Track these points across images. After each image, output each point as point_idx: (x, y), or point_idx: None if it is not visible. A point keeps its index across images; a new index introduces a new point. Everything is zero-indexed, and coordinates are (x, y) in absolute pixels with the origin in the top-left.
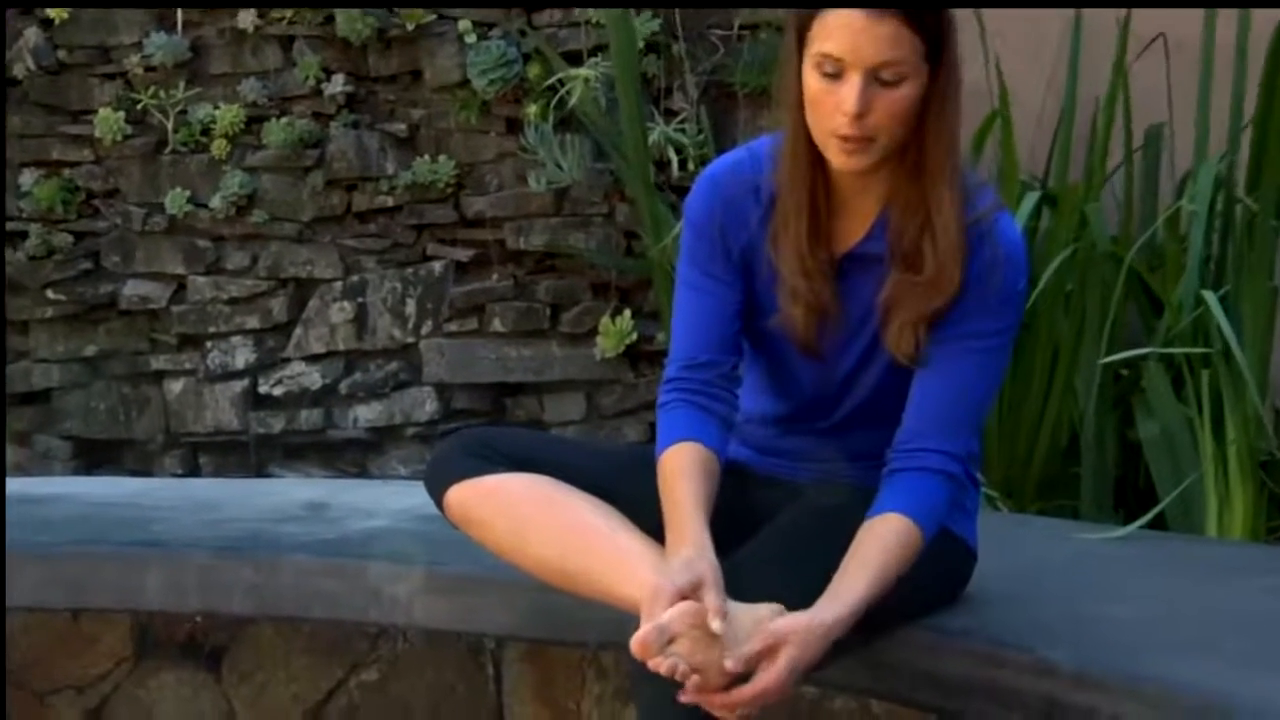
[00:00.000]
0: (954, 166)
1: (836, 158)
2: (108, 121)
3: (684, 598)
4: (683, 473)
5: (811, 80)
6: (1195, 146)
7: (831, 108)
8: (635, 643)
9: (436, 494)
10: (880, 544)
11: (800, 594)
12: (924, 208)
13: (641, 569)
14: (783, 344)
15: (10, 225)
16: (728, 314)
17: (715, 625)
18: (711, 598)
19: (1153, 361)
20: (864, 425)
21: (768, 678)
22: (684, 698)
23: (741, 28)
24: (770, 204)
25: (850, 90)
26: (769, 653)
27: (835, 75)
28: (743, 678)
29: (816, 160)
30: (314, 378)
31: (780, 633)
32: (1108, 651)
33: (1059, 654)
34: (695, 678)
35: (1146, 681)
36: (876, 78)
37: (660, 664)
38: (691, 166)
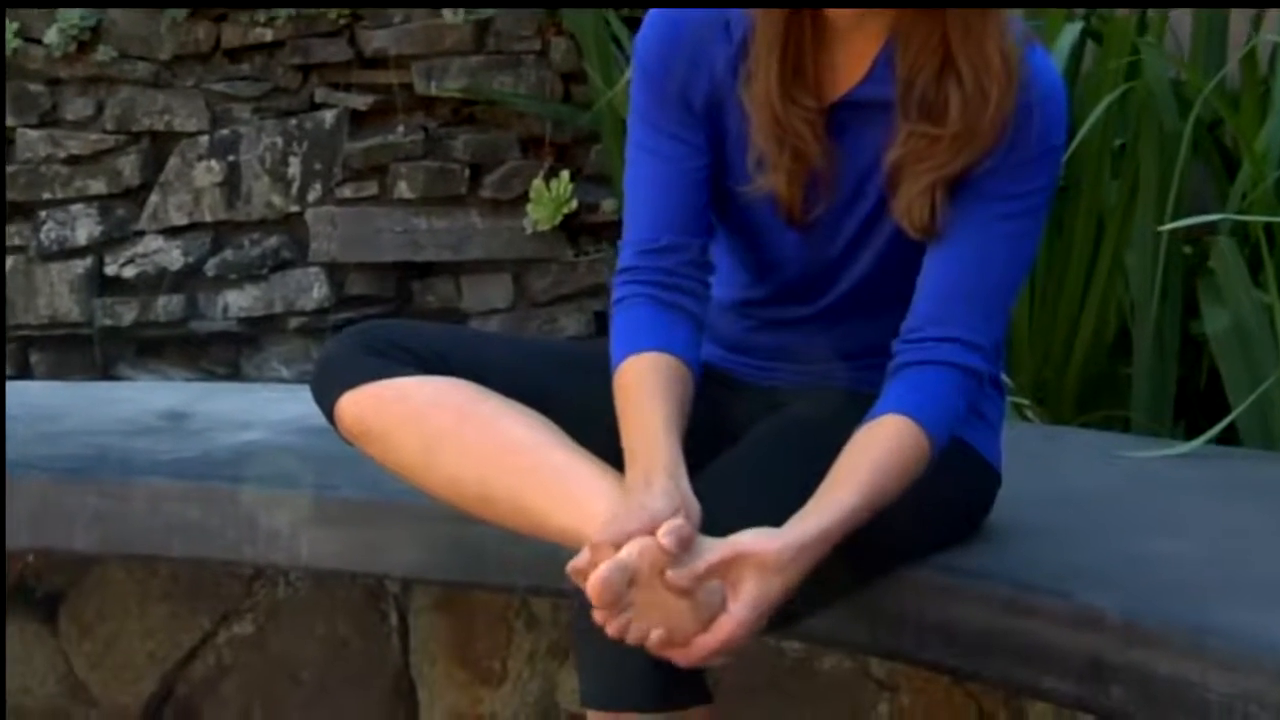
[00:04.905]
0: None
1: None
2: None
3: (653, 531)
4: (647, 388)
5: None
6: None
7: None
8: (593, 585)
9: (326, 401)
10: (875, 449)
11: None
12: (942, 44)
13: (584, 493)
14: (759, 213)
15: None
16: (693, 182)
17: (667, 541)
18: (680, 524)
19: (1224, 234)
20: (860, 314)
21: (731, 622)
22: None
23: None
24: (744, 42)
25: None
26: (728, 573)
27: None
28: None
29: None
30: (174, 256)
31: (743, 550)
32: (1165, 598)
33: (1104, 601)
34: (658, 633)
35: (1214, 635)
36: None
37: (618, 625)
38: None
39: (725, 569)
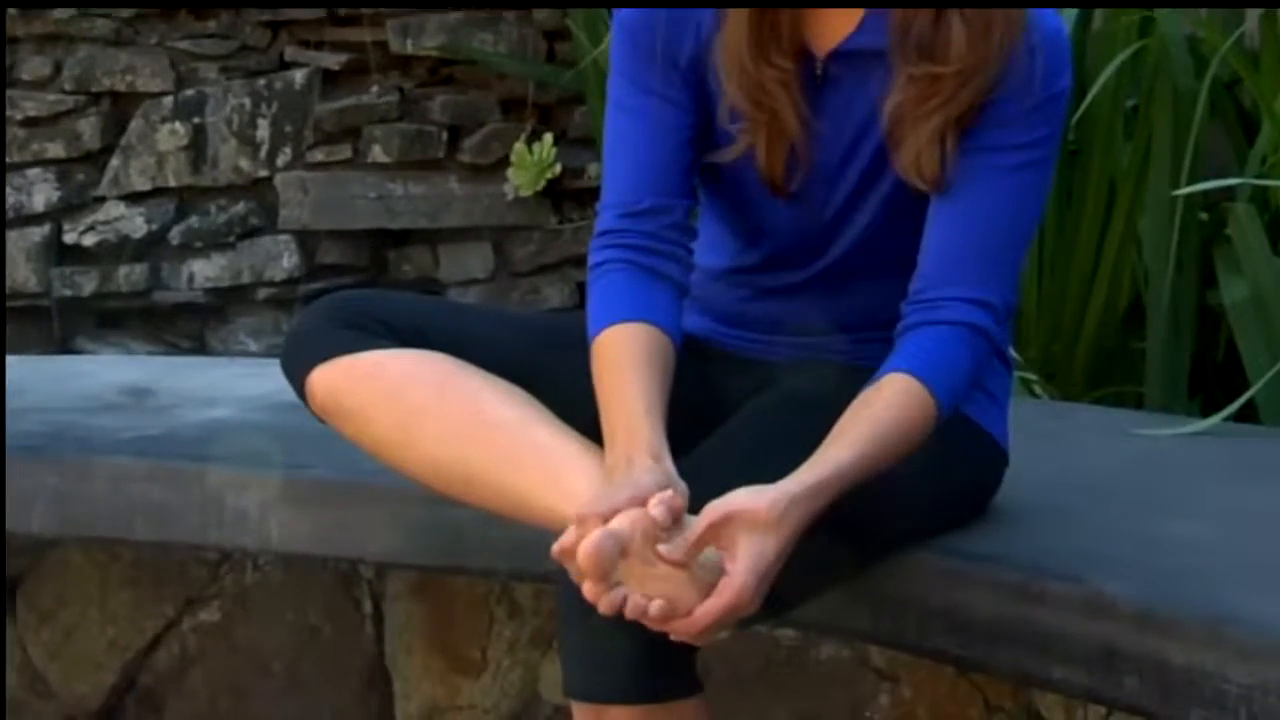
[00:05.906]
0: None
1: None
2: None
3: (643, 504)
4: (627, 362)
5: None
6: None
7: None
8: (583, 552)
9: (297, 376)
10: (875, 407)
11: None
12: None
13: (570, 473)
14: (746, 177)
15: None
16: (676, 143)
17: (657, 511)
18: (670, 495)
19: (1242, 200)
20: (856, 280)
21: (732, 586)
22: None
23: None
24: None
25: None
26: (721, 535)
27: None
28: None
29: None
30: (136, 223)
31: (733, 510)
32: (1181, 584)
33: (1117, 587)
34: (658, 603)
35: (1232, 623)
36: None
37: (611, 600)
38: None
39: (717, 531)
